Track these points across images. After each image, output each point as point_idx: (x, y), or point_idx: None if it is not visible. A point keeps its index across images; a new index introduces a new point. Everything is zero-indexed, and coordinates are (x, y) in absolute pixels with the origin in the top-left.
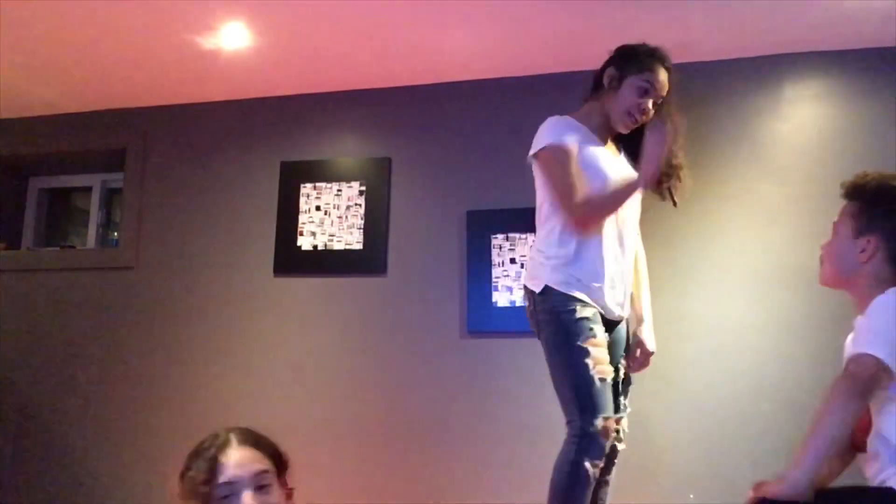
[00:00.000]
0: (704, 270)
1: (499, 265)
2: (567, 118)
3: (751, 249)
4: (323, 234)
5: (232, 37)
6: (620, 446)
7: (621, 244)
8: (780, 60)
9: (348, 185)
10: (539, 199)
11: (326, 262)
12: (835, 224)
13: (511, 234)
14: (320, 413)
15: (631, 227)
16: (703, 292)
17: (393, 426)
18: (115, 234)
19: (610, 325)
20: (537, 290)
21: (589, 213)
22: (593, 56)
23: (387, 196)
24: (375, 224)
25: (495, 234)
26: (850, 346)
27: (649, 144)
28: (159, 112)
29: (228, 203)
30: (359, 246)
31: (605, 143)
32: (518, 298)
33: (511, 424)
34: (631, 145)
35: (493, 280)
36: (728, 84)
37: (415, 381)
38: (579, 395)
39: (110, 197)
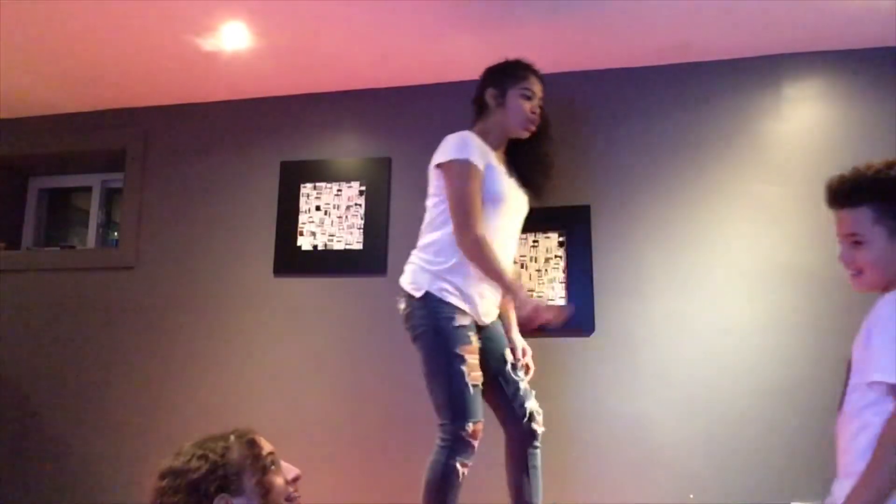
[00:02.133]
0: (704, 270)
1: None
2: (475, 136)
3: (751, 249)
4: (323, 234)
5: (232, 37)
6: (539, 429)
7: (508, 256)
8: (780, 60)
9: (348, 185)
10: (430, 205)
11: (326, 262)
12: (847, 234)
13: None
14: (320, 412)
15: (513, 241)
16: (702, 292)
17: (393, 426)
18: (115, 234)
19: (480, 326)
20: (417, 295)
21: (474, 251)
22: (593, 56)
23: (387, 196)
24: (375, 224)
25: None
26: (862, 352)
27: (519, 310)
28: (159, 112)
29: (228, 203)
30: (359, 246)
31: (500, 162)
32: None
33: None
34: (517, 161)
35: None
36: (728, 84)
37: (415, 381)
38: (453, 401)
39: (110, 197)
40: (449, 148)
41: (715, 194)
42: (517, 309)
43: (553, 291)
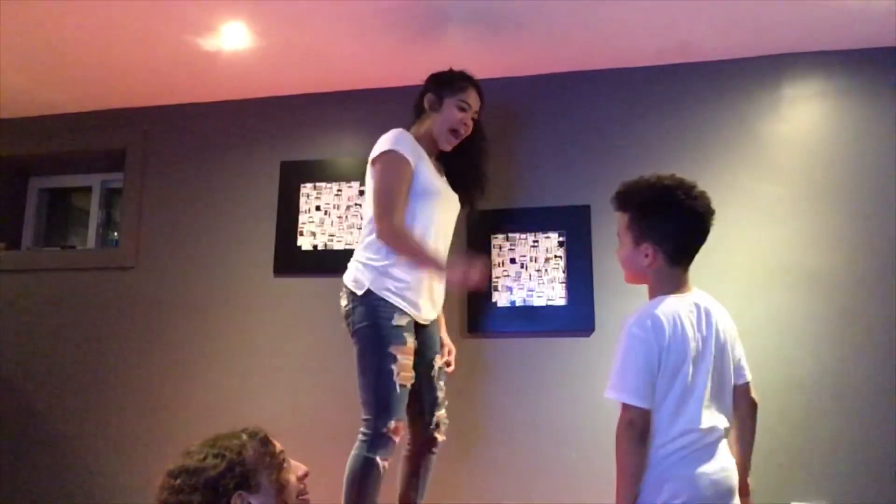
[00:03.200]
0: (704, 270)
1: (499, 265)
2: (410, 135)
3: (751, 249)
4: (323, 234)
5: (232, 37)
6: (441, 438)
7: (438, 258)
8: (780, 60)
9: (348, 185)
10: (367, 202)
11: (326, 262)
12: (618, 234)
13: (511, 234)
14: (320, 412)
15: (446, 235)
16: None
17: None
18: (115, 234)
19: (419, 327)
20: (359, 293)
21: (391, 238)
22: (592, 56)
23: None
24: None
25: (495, 234)
26: None
27: (451, 276)
28: (159, 112)
29: (228, 203)
30: None
31: (433, 163)
32: (518, 299)
33: (511, 424)
34: (450, 169)
35: (494, 280)
36: (728, 84)
37: None
38: (379, 398)
39: (110, 197)
40: (382, 143)
41: (715, 194)
42: (448, 283)
43: (553, 291)
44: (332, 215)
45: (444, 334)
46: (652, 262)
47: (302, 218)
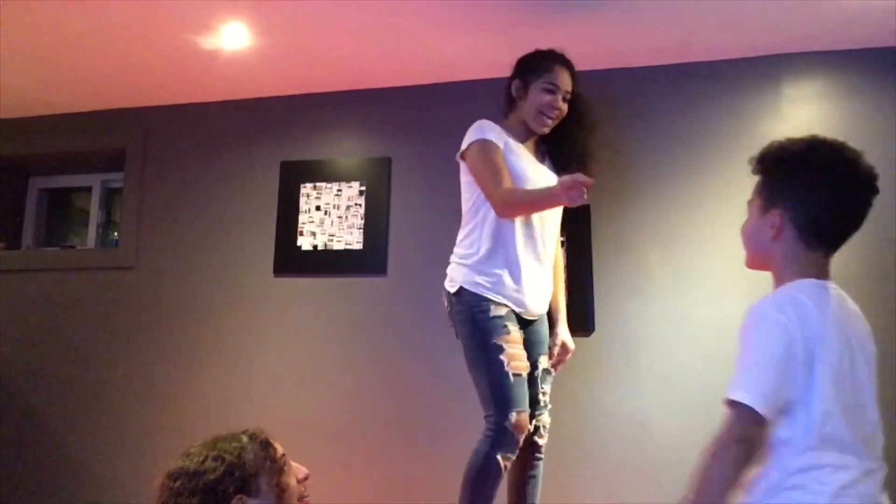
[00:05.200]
0: (704, 270)
1: None
2: (493, 123)
3: None
4: (323, 234)
5: (232, 37)
6: (542, 441)
7: (536, 249)
8: (780, 60)
9: (348, 185)
10: (464, 199)
11: (326, 262)
12: (748, 203)
13: None
14: (320, 413)
15: (550, 235)
16: (702, 292)
17: (393, 426)
18: (115, 234)
19: (526, 323)
20: (452, 290)
21: (511, 201)
22: (591, 56)
23: (387, 196)
24: (375, 224)
25: None
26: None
27: (565, 194)
28: (159, 112)
29: (228, 203)
30: (359, 246)
31: (528, 150)
32: None
33: None
34: (554, 152)
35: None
36: (728, 84)
37: (415, 381)
38: (495, 391)
39: (110, 197)
40: (467, 136)
41: (715, 194)
42: (561, 199)
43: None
44: (332, 215)
45: (560, 330)
46: (777, 233)
47: (302, 218)
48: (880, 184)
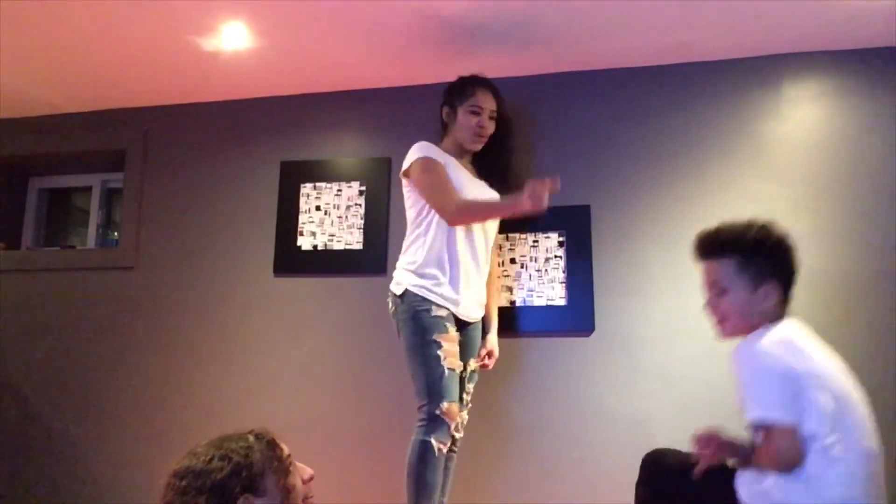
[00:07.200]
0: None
1: (499, 265)
2: (431, 144)
3: None
4: (323, 234)
5: (232, 37)
6: (458, 435)
7: (476, 258)
8: (780, 60)
9: (348, 185)
10: (408, 211)
11: (326, 262)
12: (711, 282)
13: (511, 234)
14: (320, 412)
15: (488, 246)
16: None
17: (393, 425)
18: (115, 234)
19: (463, 325)
20: (398, 293)
21: (461, 215)
22: (592, 56)
23: (387, 196)
24: (375, 224)
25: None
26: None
27: (529, 200)
28: (159, 112)
29: (228, 203)
30: (359, 246)
31: (464, 166)
32: (517, 299)
33: (511, 424)
34: (486, 169)
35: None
36: (728, 84)
37: None
38: (430, 382)
39: (110, 197)
40: (409, 155)
41: (715, 194)
42: (524, 206)
43: (553, 291)
44: (332, 215)
45: (490, 337)
46: (772, 301)
47: (302, 218)
48: (880, 183)
